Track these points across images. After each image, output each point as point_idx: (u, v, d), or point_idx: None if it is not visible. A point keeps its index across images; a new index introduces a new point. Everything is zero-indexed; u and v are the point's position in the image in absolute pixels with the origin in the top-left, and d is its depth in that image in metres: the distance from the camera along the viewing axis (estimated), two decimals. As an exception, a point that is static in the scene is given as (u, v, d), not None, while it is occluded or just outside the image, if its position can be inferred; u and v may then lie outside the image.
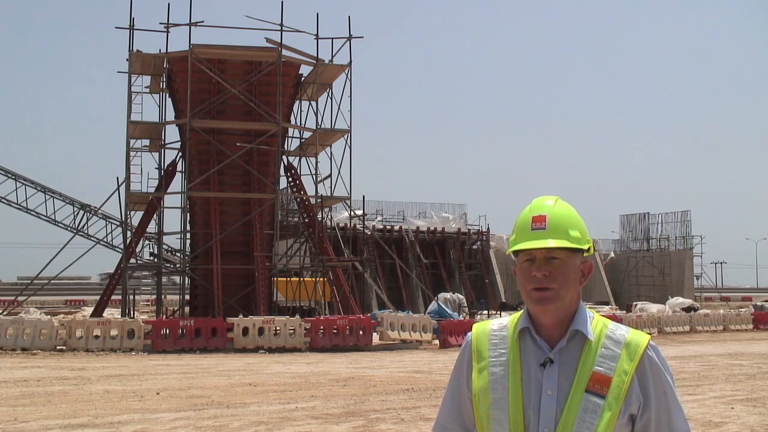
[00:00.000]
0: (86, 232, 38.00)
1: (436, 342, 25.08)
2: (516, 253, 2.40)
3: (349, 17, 35.74)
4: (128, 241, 30.93)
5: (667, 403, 2.32)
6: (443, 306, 31.57)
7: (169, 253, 36.70)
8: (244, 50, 30.03)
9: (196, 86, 29.34)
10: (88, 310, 38.20)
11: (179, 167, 32.22)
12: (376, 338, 24.53)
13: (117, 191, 31.21)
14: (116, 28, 30.43)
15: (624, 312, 37.80)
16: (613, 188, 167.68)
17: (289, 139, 33.86)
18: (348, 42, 31.48)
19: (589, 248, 2.40)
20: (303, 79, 32.21)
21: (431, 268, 51.03)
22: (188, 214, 32.22)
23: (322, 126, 32.60)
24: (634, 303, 40.54)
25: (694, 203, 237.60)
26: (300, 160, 33.65)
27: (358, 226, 39.45)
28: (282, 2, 30.16)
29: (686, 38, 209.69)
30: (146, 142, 33.68)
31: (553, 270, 2.33)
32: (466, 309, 37.38)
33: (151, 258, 35.28)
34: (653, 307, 36.28)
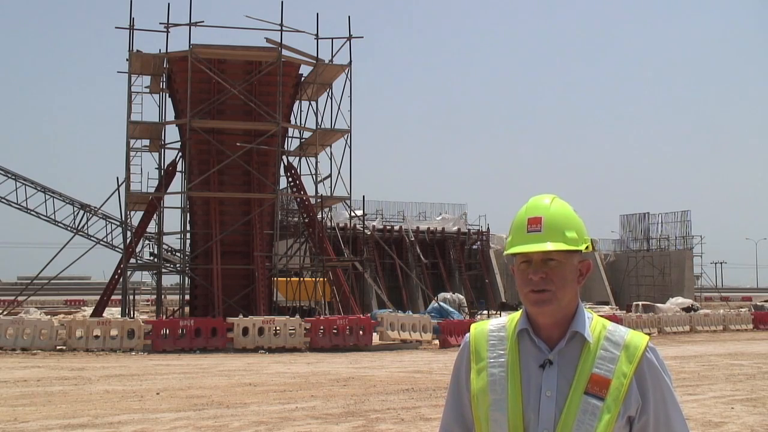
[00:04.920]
0: (86, 232, 38.00)
1: (436, 342, 25.08)
2: (513, 254, 2.41)
3: (349, 17, 35.83)
4: (128, 241, 30.93)
5: (665, 404, 2.33)
6: (444, 305, 31.56)
7: (169, 253, 36.70)
8: (244, 50, 30.03)
9: (196, 86, 29.33)
10: (88, 310, 38.20)
11: (179, 167, 32.23)
12: (376, 338, 24.53)
13: (117, 191, 31.25)
14: (116, 28, 30.47)
15: (624, 312, 37.79)
16: (613, 188, 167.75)
17: (289, 139, 33.89)
18: (348, 42, 31.50)
19: (587, 247, 2.40)
20: (303, 79, 32.20)
21: (431, 268, 51.05)
22: (188, 214, 32.22)
23: (322, 126, 32.61)
24: (635, 303, 40.45)
25: (694, 203, 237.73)
26: (300, 160, 33.69)
27: (358, 226, 39.45)
28: (282, 2, 30.19)
29: (686, 38, 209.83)
30: (146, 142, 33.67)
31: (549, 272, 2.34)
32: (466, 309, 37.40)
33: (151, 258, 35.28)
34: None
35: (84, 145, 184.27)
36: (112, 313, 33.53)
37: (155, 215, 32.33)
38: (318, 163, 33.53)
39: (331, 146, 33.28)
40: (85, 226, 38.25)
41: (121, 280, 30.99)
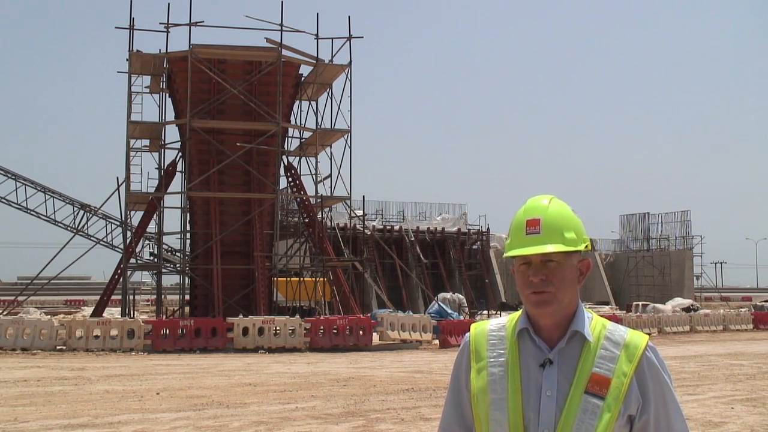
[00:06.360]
0: (86, 232, 38.01)
1: (436, 342, 25.09)
2: (512, 256, 2.41)
3: (349, 17, 35.88)
4: (128, 241, 30.94)
5: (665, 404, 2.33)
6: (443, 306, 31.58)
7: (169, 253, 36.71)
8: (244, 50, 30.04)
9: (196, 86, 29.34)
10: (88, 310, 38.21)
11: (179, 167, 32.25)
12: (376, 338, 24.54)
13: (117, 191, 31.27)
14: (116, 28, 30.48)
15: (624, 312, 37.79)
16: (613, 188, 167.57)
17: (289, 139, 33.91)
18: (348, 42, 31.51)
19: (586, 246, 2.41)
20: (303, 79, 32.22)
21: (431, 268, 51.06)
22: (188, 214, 32.23)
23: (322, 126, 32.63)
24: (635, 303, 40.48)
25: (694, 203, 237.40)
26: (300, 160, 33.71)
27: (358, 226, 39.46)
28: (282, 2, 30.21)
29: (686, 38, 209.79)
30: (146, 142, 33.68)
31: (549, 273, 2.34)
32: (466, 309, 37.40)
33: (151, 258, 35.29)
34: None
35: (84, 145, 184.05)
36: (112, 313, 33.54)
37: (155, 215, 32.34)
38: (318, 163, 33.60)
39: (331, 146, 33.30)
40: (85, 226, 38.29)
41: (121, 280, 31.00)
